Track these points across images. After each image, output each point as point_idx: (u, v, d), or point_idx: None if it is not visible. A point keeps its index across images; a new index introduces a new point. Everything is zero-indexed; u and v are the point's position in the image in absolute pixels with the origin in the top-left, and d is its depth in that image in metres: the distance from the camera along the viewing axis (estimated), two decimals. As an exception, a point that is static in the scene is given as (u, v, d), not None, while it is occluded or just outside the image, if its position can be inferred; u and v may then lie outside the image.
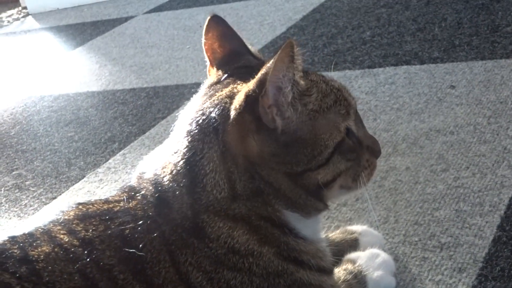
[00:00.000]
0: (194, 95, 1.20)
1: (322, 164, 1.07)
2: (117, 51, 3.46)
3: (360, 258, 1.32)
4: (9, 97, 3.20)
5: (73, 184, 2.12)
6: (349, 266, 1.30)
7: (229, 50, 1.21)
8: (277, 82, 1.03)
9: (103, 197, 1.14)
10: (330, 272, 1.18)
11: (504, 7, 2.61)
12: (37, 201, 2.07)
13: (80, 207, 1.10)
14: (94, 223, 1.05)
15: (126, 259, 1.01)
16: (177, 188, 1.06)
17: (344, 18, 2.99)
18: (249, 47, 1.23)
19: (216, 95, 1.12)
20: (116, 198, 1.10)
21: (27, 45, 4.16)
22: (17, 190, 2.18)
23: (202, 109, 1.11)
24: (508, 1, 2.65)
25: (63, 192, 2.08)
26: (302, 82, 1.06)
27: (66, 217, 1.08)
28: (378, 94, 2.15)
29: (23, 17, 4.96)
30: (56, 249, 1.01)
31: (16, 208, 2.06)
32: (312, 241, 1.14)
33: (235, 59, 1.19)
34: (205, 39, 1.21)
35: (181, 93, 2.63)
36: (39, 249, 1.01)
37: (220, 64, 1.21)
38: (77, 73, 3.30)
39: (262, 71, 1.03)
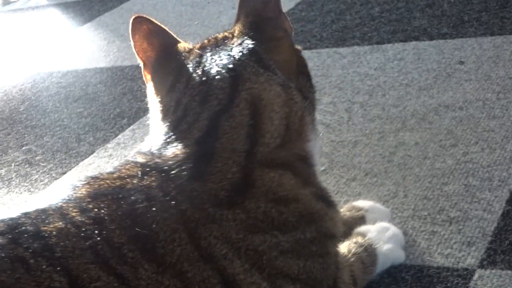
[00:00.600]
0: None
1: None
2: (125, 28, 3.44)
3: (370, 231, 1.33)
4: (18, 73, 3.20)
5: (83, 159, 2.13)
6: (359, 239, 1.31)
7: (158, 45, 1.20)
8: None
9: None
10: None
11: (514, -18, 2.59)
12: (47, 176, 2.09)
13: (92, 182, 1.08)
14: (105, 201, 1.03)
15: (135, 238, 1.01)
16: (222, 149, 1.06)
17: (352, -6, 2.97)
18: (177, 38, 1.24)
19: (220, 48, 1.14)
20: (129, 173, 1.09)
21: (34, 21, 4.15)
22: (27, 165, 2.20)
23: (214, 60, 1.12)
24: (517, -23, 2.64)
25: (73, 167, 2.10)
26: None
27: (78, 194, 1.07)
28: (387, 70, 2.15)
29: (30, -7, 4.95)
30: (68, 226, 1.01)
31: (27, 183, 2.08)
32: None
33: (168, 55, 1.20)
34: (133, 41, 1.21)
35: (189, 69, 2.63)
36: (52, 226, 1.01)
37: (155, 64, 1.21)
38: (86, 49, 3.30)
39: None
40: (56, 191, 1.94)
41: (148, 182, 1.05)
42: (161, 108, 1.14)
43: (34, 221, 1.02)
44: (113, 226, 1.01)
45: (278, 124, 1.10)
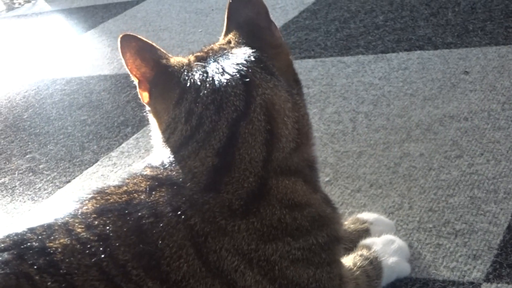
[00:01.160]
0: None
1: None
2: (129, 35, 3.45)
3: (376, 244, 1.33)
4: (21, 80, 3.21)
5: (87, 168, 2.13)
6: (365, 252, 1.30)
7: (152, 60, 1.18)
8: None
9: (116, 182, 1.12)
10: None
11: (518, -8, 2.59)
12: (51, 184, 2.09)
13: (99, 198, 1.07)
14: (111, 218, 1.03)
15: (140, 255, 1.00)
16: (237, 158, 1.05)
17: (356, 2, 2.97)
18: (166, 53, 1.22)
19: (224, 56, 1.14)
20: (136, 187, 1.08)
21: (38, 27, 4.16)
22: (31, 174, 2.19)
23: (220, 70, 1.11)
24: (522, -14, 2.64)
25: (77, 176, 2.10)
26: None
27: (84, 209, 1.06)
28: (392, 80, 2.15)
29: (34, -1, 4.96)
30: (73, 242, 1.01)
31: (30, 191, 2.08)
32: None
33: (166, 69, 1.18)
34: (125, 60, 1.19)
35: (193, 77, 2.62)
36: (57, 242, 1.01)
37: (154, 80, 1.18)
38: (89, 56, 3.30)
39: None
40: (62, 204, 1.94)
41: (156, 198, 1.04)
42: (170, 121, 1.13)
43: (40, 237, 1.02)
44: (118, 243, 1.00)
45: (291, 128, 1.10)
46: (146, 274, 0.98)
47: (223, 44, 1.21)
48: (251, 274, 1.02)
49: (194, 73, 1.13)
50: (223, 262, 1.02)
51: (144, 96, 1.21)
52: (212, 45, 1.23)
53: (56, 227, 1.04)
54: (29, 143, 2.44)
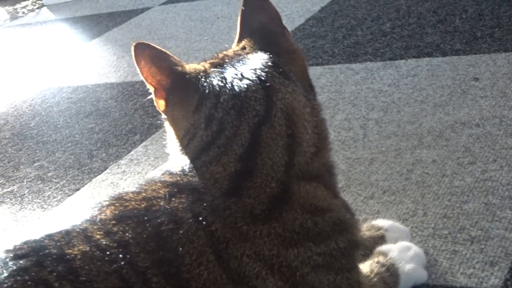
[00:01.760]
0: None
1: None
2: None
3: (392, 250, 1.32)
4: (28, 88, 3.20)
5: (96, 176, 2.12)
6: (381, 259, 1.29)
7: (167, 68, 1.17)
8: None
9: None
10: None
11: (526, -2, 2.60)
12: (60, 192, 2.08)
13: (117, 204, 1.06)
14: (131, 224, 1.02)
15: (160, 262, 1.00)
16: (260, 164, 1.05)
17: (363, 10, 2.98)
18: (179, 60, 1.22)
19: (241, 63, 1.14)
20: (155, 194, 1.08)
21: (43, 36, 4.17)
22: (39, 182, 2.19)
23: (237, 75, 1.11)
24: (529, -7, 2.64)
25: (86, 184, 2.09)
26: None
27: (103, 216, 1.05)
28: (401, 86, 2.15)
29: (38, 8, 4.97)
30: (92, 249, 1.00)
31: (39, 199, 2.07)
32: None
33: (182, 76, 1.17)
34: (139, 68, 1.18)
35: (200, 85, 2.62)
36: (76, 249, 1.00)
37: (171, 87, 1.18)
38: (95, 64, 3.30)
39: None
40: (71, 212, 1.93)
41: (176, 204, 1.03)
42: (189, 127, 1.12)
43: (58, 243, 1.01)
44: (137, 250, 0.99)
45: (311, 132, 1.10)
46: (166, 281, 0.97)
47: (238, 50, 1.21)
48: (272, 280, 1.02)
49: (212, 79, 1.12)
50: (244, 268, 1.01)
51: (160, 104, 1.20)
52: (226, 52, 1.22)
53: (75, 234, 1.03)
54: (37, 151, 2.43)
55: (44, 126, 2.65)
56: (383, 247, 1.34)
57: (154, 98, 1.21)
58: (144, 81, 1.20)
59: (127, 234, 1.01)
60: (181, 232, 1.00)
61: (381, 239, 1.40)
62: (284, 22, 1.24)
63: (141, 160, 2.13)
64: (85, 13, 4.37)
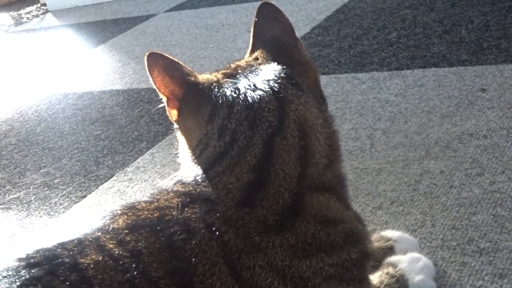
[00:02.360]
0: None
1: None
2: (139, 50, 3.46)
3: (401, 261, 1.32)
4: (33, 94, 3.21)
5: (103, 183, 2.12)
6: (391, 270, 1.30)
7: (180, 78, 1.18)
8: None
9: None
10: None
11: (532, 10, 2.60)
12: (67, 199, 2.08)
13: (130, 213, 1.07)
14: (143, 234, 1.02)
15: (172, 272, 1.00)
16: (273, 174, 1.05)
17: (368, 19, 2.98)
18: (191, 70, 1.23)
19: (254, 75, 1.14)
20: (167, 203, 1.08)
21: (48, 42, 4.17)
22: (46, 188, 2.19)
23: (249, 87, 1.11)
24: (535, 4, 2.65)
25: (92, 191, 2.09)
26: None
27: (116, 225, 1.05)
28: (408, 97, 2.15)
29: (42, 14, 4.97)
30: (105, 258, 1.00)
31: (46, 206, 2.07)
32: None
33: (195, 86, 1.17)
34: (152, 78, 1.18)
35: (206, 93, 2.63)
36: (89, 258, 1.00)
37: (184, 97, 1.18)
38: (100, 71, 3.31)
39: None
40: (86, 217, 1.93)
41: (188, 214, 1.03)
42: (201, 137, 1.12)
43: (71, 252, 1.01)
44: (150, 260, 0.99)
45: (324, 144, 1.10)
46: None
47: (251, 61, 1.21)
48: None
49: (225, 89, 1.13)
50: (257, 279, 1.01)
51: (173, 114, 1.21)
52: (238, 62, 1.22)
53: (87, 243, 1.03)
54: (43, 157, 2.43)
55: (50, 133, 2.65)
56: (392, 258, 1.34)
57: (166, 108, 1.21)
58: (157, 90, 1.20)
59: (140, 243, 1.01)
60: (193, 242, 1.00)
61: (390, 250, 1.40)
62: (290, 30, 1.25)
63: (147, 168, 2.13)
64: (90, 19, 4.38)
